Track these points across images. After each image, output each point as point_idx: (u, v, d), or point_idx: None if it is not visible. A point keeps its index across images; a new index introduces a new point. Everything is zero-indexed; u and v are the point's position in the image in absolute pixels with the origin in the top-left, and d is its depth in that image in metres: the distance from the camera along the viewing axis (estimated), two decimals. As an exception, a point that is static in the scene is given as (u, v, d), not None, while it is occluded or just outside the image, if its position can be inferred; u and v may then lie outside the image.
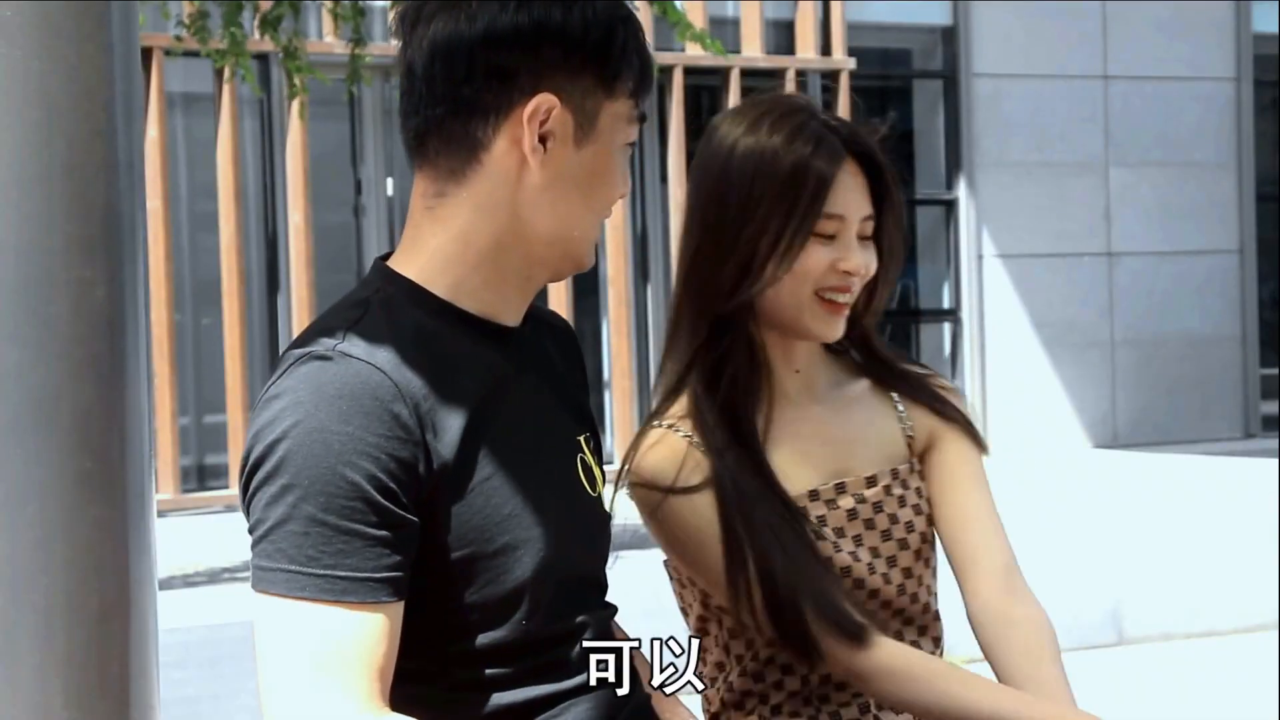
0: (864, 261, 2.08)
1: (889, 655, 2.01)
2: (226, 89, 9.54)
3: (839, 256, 2.06)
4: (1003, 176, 12.26)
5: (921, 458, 2.18)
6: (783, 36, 11.53)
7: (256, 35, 7.98)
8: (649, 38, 1.86)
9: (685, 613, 2.21)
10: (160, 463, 9.48)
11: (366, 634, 1.59)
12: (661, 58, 10.40)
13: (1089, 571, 6.71)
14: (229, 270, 9.67)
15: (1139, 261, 12.73)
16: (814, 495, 2.10)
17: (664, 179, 10.86)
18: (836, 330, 2.10)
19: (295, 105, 8.62)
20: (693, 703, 2.01)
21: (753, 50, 11.09)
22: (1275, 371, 13.27)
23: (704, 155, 2.11)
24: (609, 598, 1.89)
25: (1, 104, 1.47)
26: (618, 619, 1.91)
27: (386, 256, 1.77)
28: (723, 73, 10.86)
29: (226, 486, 10.05)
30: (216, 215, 9.74)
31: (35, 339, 1.48)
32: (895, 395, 2.20)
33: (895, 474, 2.15)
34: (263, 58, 9.66)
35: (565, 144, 1.70)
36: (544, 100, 1.68)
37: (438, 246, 1.73)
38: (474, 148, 1.70)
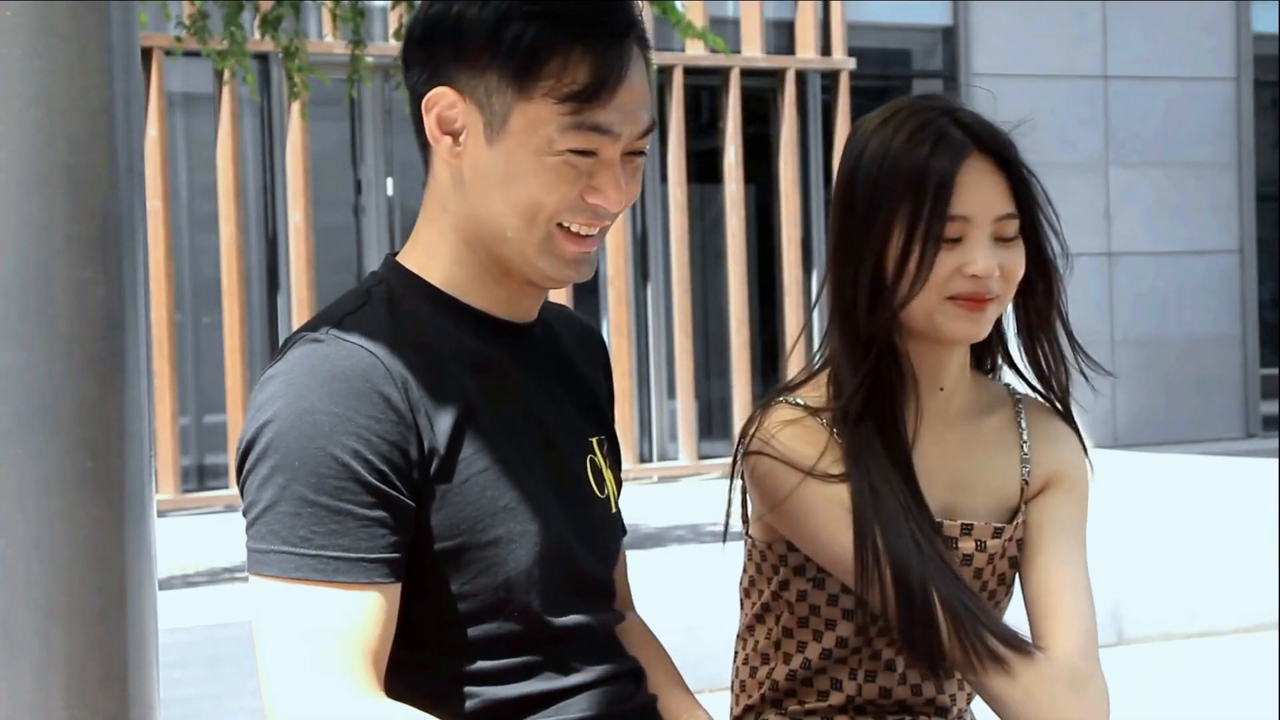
0: (996, 263, 1.96)
1: (1044, 674, 1.96)
2: (226, 89, 9.54)
3: (965, 260, 1.96)
4: (1003, 176, 12.24)
5: (1028, 501, 2.10)
6: (783, 36, 11.52)
7: (257, 35, 7.98)
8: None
9: (746, 594, 2.14)
10: (160, 463, 9.48)
11: (361, 615, 1.59)
12: (661, 58, 10.40)
13: (1089, 571, 6.70)
14: (229, 270, 9.67)
15: (1139, 261, 12.73)
16: (938, 527, 2.03)
17: (664, 179, 10.85)
18: (976, 328, 1.99)
19: (295, 105, 8.61)
20: (704, 701, 2.01)
21: (753, 50, 11.09)
22: (1275, 371, 13.27)
23: (843, 154, 2.05)
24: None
25: (1, 104, 1.47)
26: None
27: (399, 251, 1.81)
28: (723, 73, 10.86)
29: (226, 486, 10.05)
30: (216, 215, 9.74)
31: (35, 339, 1.48)
32: (1025, 432, 2.11)
33: (1016, 527, 2.08)
34: (263, 58, 9.66)
35: (478, 140, 1.69)
36: (440, 94, 1.69)
37: (426, 239, 1.76)
38: (424, 138, 1.74)
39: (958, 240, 1.97)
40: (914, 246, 1.95)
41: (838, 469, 1.99)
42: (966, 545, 2.05)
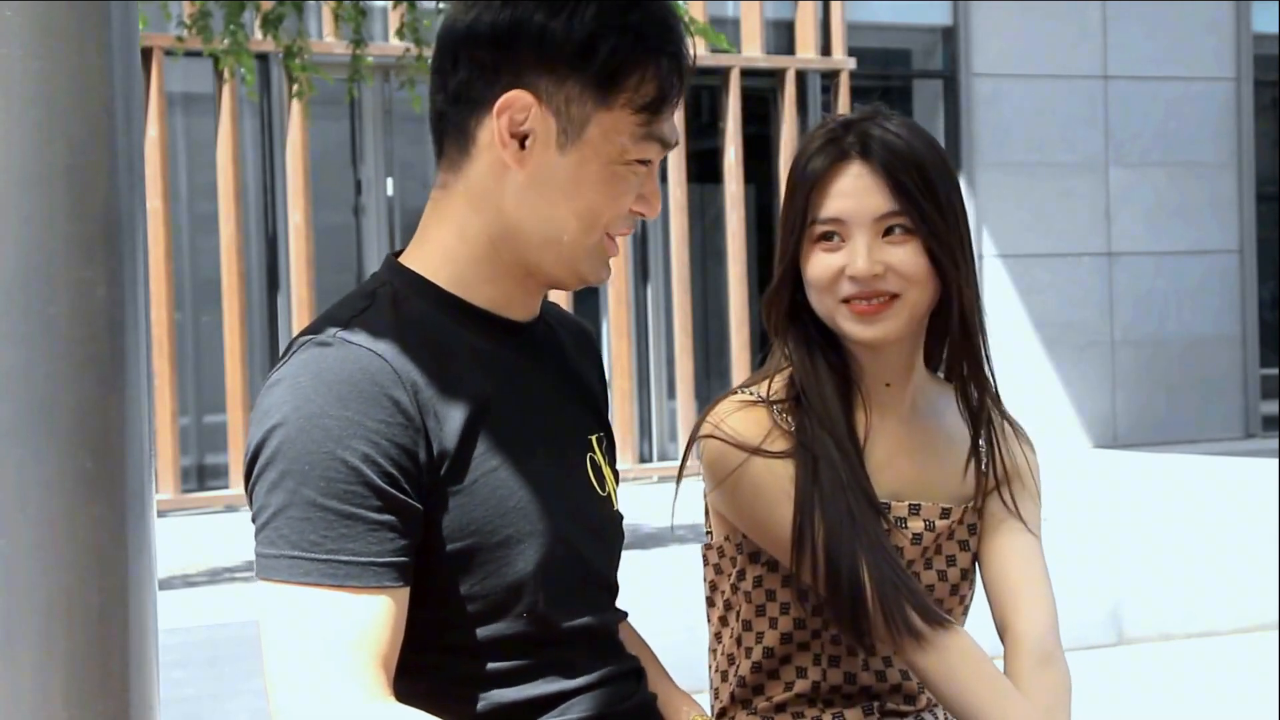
0: (883, 262, 2.00)
1: (962, 649, 1.99)
2: (226, 89, 9.54)
3: (846, 262, 2.01)
4: (1003, 176, 12.26)
5: (987, 494, 2.15)
6: (783, 36, 11.53)
7: (258, 35, 7.98)
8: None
9: (710, 602, 2.19)
10: (160, 463, 9.48)
11: (371, 619, 1.58)
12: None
13: (1089, 571, 6.71)
14: (229, 270, 9.68)
15: (1139, 261, 12.73)
16: (885, 508, 2.08)
17: (664, 179, 10.85)
18: (868, 332, 2.03)
19: (296, 105, 8.61)
20: (702, 701, 2.01)
21: (753, 50, 11.09)
22: (1275, 371, 13.27)
23: None
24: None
25: (1, 104, 1.47)
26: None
27: (400, 252, 1.80)
28: (723, 73, 10.86)
29: (226, 486, 10.05)
30: (216, 215, 9.74)
31: (35, 339, 1.48)
32: (982, 431, 2.15)
33: (964, 512, 2.13)
34: (263, 58, 9.66)
35: (548, 146, 1.69)
36: (516, 97, 1.68)
37: (439, 239, 1.75)
38: (467, 140, 1.72)
39: (838, 243, 2.02)
40: (785, 246, 2.05)
41: (781, 445, 2.05)
42: (915, 525, 2.10)
